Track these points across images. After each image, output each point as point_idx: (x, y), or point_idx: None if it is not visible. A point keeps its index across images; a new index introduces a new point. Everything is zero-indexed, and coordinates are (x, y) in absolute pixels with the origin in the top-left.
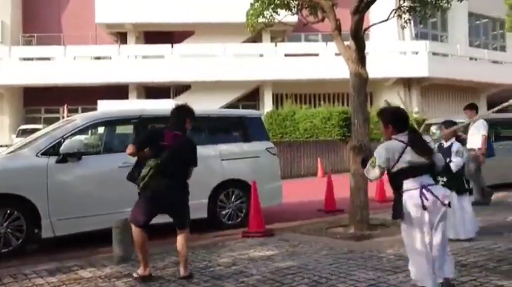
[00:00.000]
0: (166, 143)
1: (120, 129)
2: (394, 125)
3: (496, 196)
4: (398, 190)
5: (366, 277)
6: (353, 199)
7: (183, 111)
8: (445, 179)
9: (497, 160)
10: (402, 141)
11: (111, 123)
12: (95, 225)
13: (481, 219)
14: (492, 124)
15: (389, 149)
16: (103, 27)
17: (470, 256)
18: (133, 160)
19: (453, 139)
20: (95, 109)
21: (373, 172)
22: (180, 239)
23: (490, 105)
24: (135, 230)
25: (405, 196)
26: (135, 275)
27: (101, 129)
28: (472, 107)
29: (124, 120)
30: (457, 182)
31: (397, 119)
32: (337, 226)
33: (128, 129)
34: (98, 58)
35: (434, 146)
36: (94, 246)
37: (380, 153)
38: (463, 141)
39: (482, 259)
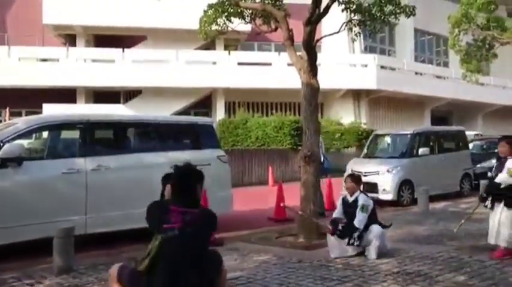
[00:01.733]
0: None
1: (65, 134)
2: None
3: (439, 205)
4: None
5: None
6: (303, 208)
7: (190, 177)
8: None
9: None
10: None
11: (55, 127)
12: (35, 234)
13: (425, 228)
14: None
15: None
16: (51, 28)
17: (414, 265)
18: (78, 165)
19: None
20: (40, 113)
21: None
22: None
23: (434, 118)
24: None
25: None
26: None
27: (44, 134)
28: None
29: (70, 125)
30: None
31: None
32: (286, 235)
33: (74, 134)
34: (45, 60)
35: None
36: (34, 256)
37: None
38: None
39: (426, 268)
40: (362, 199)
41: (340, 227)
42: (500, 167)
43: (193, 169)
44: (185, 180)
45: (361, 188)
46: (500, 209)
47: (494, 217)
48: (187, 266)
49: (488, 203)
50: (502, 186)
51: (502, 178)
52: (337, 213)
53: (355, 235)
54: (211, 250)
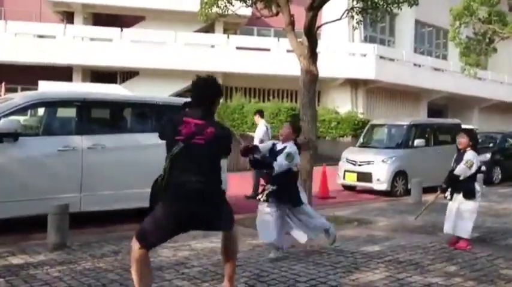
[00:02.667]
0: (183, 137)
1: (61, 112)
2: None
3: (432, 196)
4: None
5: (306, 271)
6: None
7: (208, 88)
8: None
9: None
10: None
11: (52, 104)
12: (29, 210)
13: (418, 219)
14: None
15: None
16: (49, 4)
17: (406, 254)
18: (74, 143)
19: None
20: (36, 90)
21: None
22: (225, 242)
23: (430, 110)
24: (138, 252)
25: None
26: None
27: (41, 111)
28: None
29: (66, 103)
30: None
31: None
32: None
33: (71, 112)
34: (42, 37)
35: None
36: (26, 232)
37: None
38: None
39: (418, 257)
40: (290, 148)
41: (257, 156)
42: (459, 159)
43: (214, 82)
44: (205, 91)
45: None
46: (459, 201)
47: (452, 207)
48: (199, 172)
49: (447, 194)
50: (461, 178)
51: (460, 170)
52: (262, 148)
53: (268, 189)
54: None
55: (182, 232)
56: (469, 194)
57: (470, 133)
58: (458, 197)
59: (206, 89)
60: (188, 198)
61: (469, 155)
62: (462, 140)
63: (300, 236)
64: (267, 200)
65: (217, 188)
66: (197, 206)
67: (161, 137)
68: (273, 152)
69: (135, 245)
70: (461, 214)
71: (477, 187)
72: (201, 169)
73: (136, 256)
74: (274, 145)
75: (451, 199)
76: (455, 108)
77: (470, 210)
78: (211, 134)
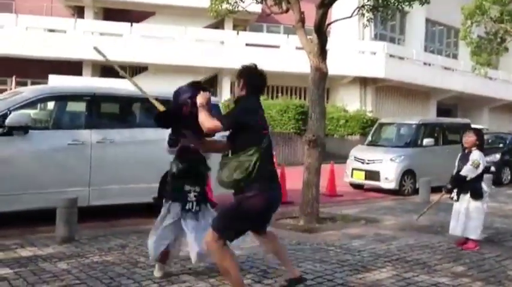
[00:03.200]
0: (266, 130)
1: (71, 106)
2: None
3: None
4: None
5: (313, 269)
6: (304, 191)
7: (263, 76)
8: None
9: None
10: None
11: (62, 98)
12: (38, 203)
13: (425, 218)
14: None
15: None
16: None
17: (414, 253)
18: (83, 137)
19: None
20: (46, 83)
21: None
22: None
23: (440, 110)
24: (223, 251)
25: None
26: None
27: (50, 105)
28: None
29: (76, 97)
30: None
31: None
32: (287, 217)
33: (80, 106)
34: (52, 31)
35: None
36: (34, 225)
37: None
38: None
39: (425, 257)
40: (476, 155)
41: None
42: (464, 160)
43: (261, 70)
44: (262, 79)
45: None
46: (466, 201)
47: (459, 208)
48: (272, 165)
49: (454, 195)
50: (468, 178)
51: (467, 170)
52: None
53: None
54: None
55: (262, 223)
56: (477, 195)
57: (478, 132)
58: (466, 197)
59: (262, 77)
60: (279, 187)
61: (475, 155)
62: (469, 138)
63: None
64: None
65: None
66: (280, 196)
67: (236, 124)
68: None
69: (219, 242)
70: (469, 215)
71: (484, 187)
72: (272, 160)
73: (225, 252)
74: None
75: (457, 200)
76: (465, 108)
77: (478, 210)
78: (268, 127)
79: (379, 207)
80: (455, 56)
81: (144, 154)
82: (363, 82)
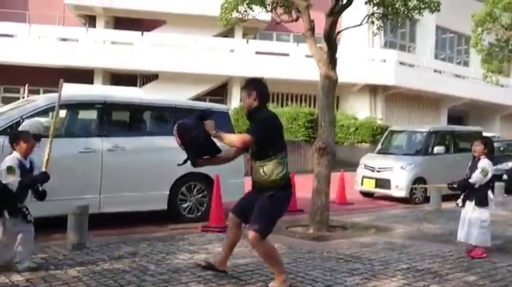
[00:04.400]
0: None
1: (83, 114)
2: None
3: (451, 204)
4: None
5: (323, 277)
6: (314, 199)
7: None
8: None
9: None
10: None
11: (74, 106)
12: (49, 210)
13: (437, 227)
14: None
15: None
16: (71, 8)
17: (424, 262)
18: (94, 145)
19: None
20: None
21: None
22: (239, 234)
23: (451, 117)
24: (266, 244)
25: None
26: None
27: (62, 113)
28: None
29: (87, 105)
30: None
31: None
32: (296, 225)
33: (92, 114)
34: (64, 40)
35: None
36: (46, 232)
37: None
38: None
39: (437, 266)
40: (484, 163)
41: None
42: (473, 167)
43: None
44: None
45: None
46: (472, 208)
47: (465, 215)
48: None
49: (459, 201)
50: (476, 186)
51: (476, 177)
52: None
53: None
54: None
55: None
56: (482, 202)
57: (486, 141)
58: (471, 204)
59: (267, 88)
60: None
61: (484, 163)
62: (478, 148)
63: None
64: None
65: None
66: None
67: (268, 132)
68: None
69: (262, 241)
70: (473, 222)
71: (490, 194)
72: None
73: (270, 246)
74: None
75: (463, 206)
76: (476, 116)
77: (482, 218)
78: None
79: (389, 215)
80: (466, 64)
81: (154, 161)
82: (373, 90)
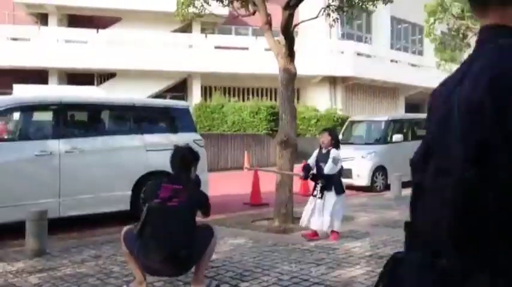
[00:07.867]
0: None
1: (37, 116)
2: None
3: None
4: None
5: (289, 269)
6: (278, 192)
7: (188, 158)
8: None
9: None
10: None
11: (27, 108)
12: (5, 217)
13: (398, 213)
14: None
15: None
16: (22, 6)
17: (387, 248)
18: (51, 147)
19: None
20: (10, 94)
21: None
22: None
23: (408, 106)
24: None
25: None
26: None
27: (16, 115)
28: None
29: (42, 106)
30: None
31: None
32: (262, 219)
33: (47, 115)
34: (15, 39)
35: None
36: (3, 239)
37: None
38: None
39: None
40: (334, 153)
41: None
42: (322, 158)
43: (193, 151)
44: (184, 161)
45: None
46: (330, 197)
47: (320, 204)
48: (169, 234)
49: (317, 192)
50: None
51: (329, 168)
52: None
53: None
54: (201, 224)
55: None
56: (339, 190)
57: (332, 132)
58: (331, 193)
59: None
60: None
61: (335, 152)
62: (325, 139)
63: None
64: (315, 196)
65: None
66: None
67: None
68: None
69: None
70: (330, 209)
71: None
72: None
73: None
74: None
75: (321, 197)
76: None
77: (341, 204)
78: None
79: (352, 204)
80: (420, 53)
81: (114, 161)
82: (333, 81)
